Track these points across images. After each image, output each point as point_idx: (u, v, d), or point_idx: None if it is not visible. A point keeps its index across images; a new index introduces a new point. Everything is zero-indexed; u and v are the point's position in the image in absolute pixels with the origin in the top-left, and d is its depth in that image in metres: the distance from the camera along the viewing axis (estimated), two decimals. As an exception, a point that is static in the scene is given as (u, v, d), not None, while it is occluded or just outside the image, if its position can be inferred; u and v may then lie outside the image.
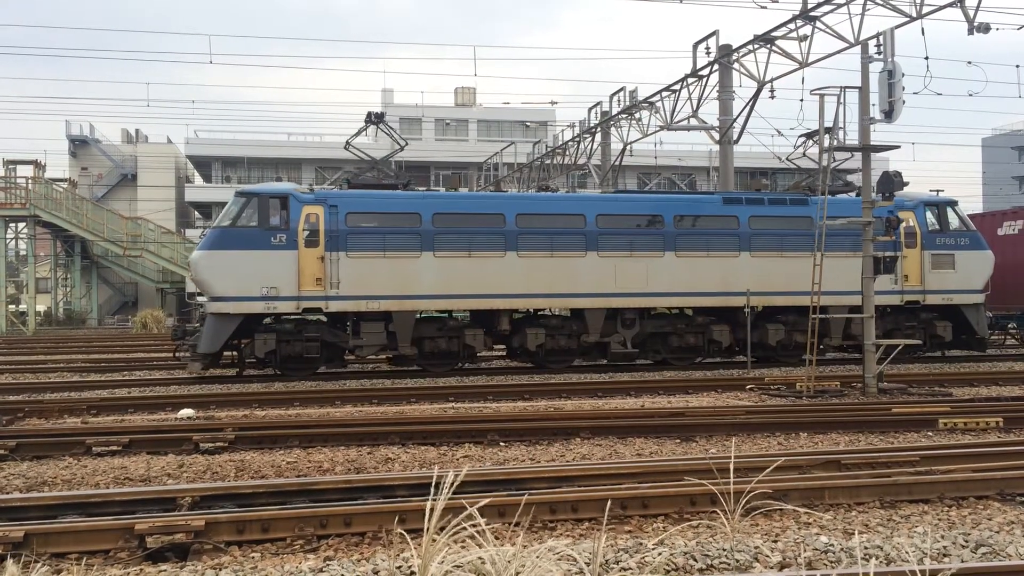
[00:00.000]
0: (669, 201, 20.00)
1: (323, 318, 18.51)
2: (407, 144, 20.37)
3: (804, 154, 22.10)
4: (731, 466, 6.96)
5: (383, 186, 19.23)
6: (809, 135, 22.84)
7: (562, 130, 38.37)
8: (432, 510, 4.86)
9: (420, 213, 18.33)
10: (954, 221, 20.88)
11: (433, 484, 5.52)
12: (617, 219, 19.33)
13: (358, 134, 20.12)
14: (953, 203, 21.25)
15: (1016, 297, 21.96)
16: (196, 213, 58.47)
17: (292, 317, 18.25)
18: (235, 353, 18.55)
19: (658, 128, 26.87)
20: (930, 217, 20.72)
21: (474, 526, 5.04)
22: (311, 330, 18.04)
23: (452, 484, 5.01)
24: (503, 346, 20.53)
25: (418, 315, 18.83)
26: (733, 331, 19.89)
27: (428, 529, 4.78)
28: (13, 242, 48.11)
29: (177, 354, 19.52)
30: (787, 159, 22.32)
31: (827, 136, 15.64)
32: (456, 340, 18.79)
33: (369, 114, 20.03)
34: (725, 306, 19.67)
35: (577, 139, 33.62)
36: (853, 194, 21.48)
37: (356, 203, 18.21)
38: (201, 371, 18.07)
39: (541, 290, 18.76)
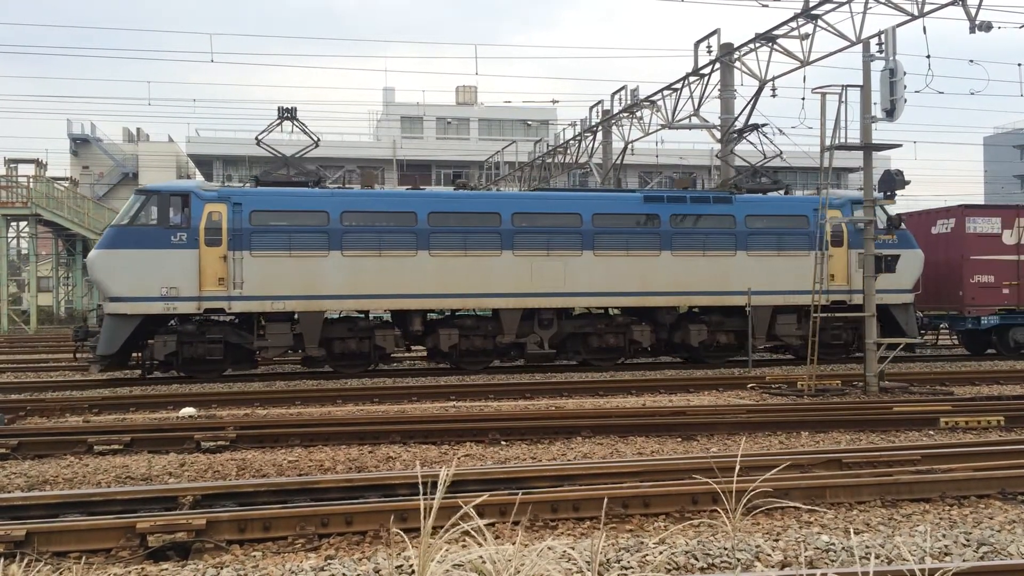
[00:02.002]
0: (587, 199, 19.54)
1: (229, 319, 18.18)
2: (320, 142, 19.78)
3: (732, 151, 22.09)
4: (736, 465, 6.96)
5: (293, 184, 18.79)
6: (740, 131, 22.84)
7: (563, 129, 38.38)
8: (428, 509, 4.86)
9: (328, 211, 17.92)
10: (883, 219, 20.23)
11: (431, 483, 5.52)
12: (533, 217, 18.92)
13: (271, 129, 19.48)
14: (881, 202, 20.87)
15: (949, 297, 21.50)
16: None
17: (198, 318, 17.73)
18: (139, 355, 18.12)
19: (659, 127, 26.88)
20: (857, 215, 20.32)
21: (474, 527, 5.03)
22: (214, 331, 17.62)
23: (445, 482, 5.01)
24: (421, 347, 20.11)
25: (334, 315, 18.54)
26: (655, 331, 19.70)
27: (425, 529, 4.78)
28: (15, 241, 48.16)
29: (77, 355, 19.09)
30: (718, 155, 22.28)
31: (829, 135, 15.59)
32: (367, 341, 18.37)
33: (280, 109, 19.52)
34: (646, 306, 19.45)
35: (578, 138, 33.62)
36: (783, 192, 21.29)
37: (261, 201, 17.78)
38: (99, 373, 17.66)
39: (454, 290, 18.37)
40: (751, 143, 22.78)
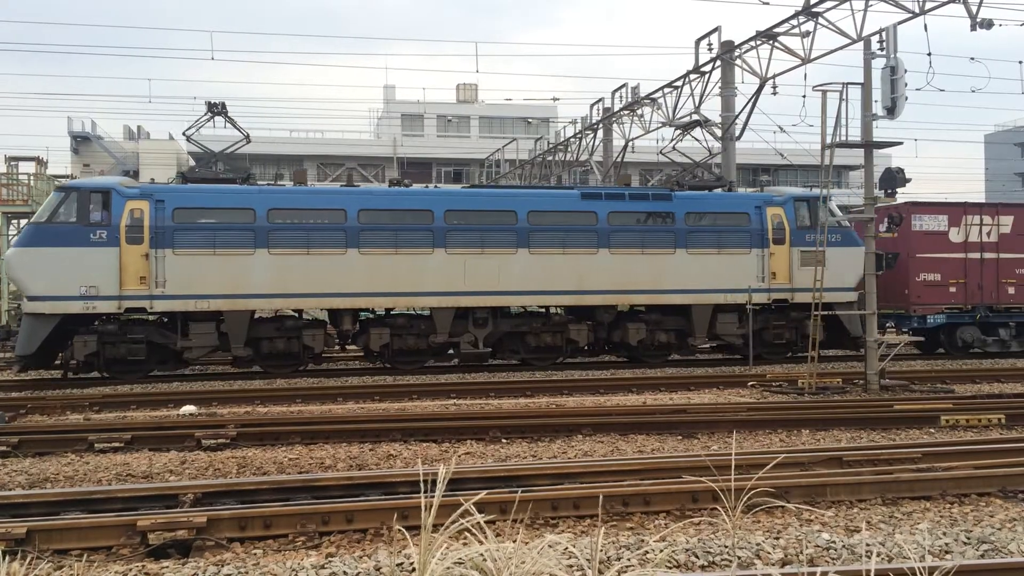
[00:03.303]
0: (523, 196, 19.21)
1: (154, 318, 17.89)
2: (250, 139, 19.58)
3: (674, 147, 22.00)
4: (732, 463, 6.96)
5: (220, 180, 18.42)
6: (684, 127, 22.80)
7: (564, 126, 38.35)
8: (428, 506, 4.86)
9: (254, 208, 17.60)
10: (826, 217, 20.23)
11: (431, 481, 5.52)
12: (467, 215, 18.62)
13: (200, 125, 19.22)
14: (825, 198, 20.52)
15: (895, 296, 21.07)
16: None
17: (122, 318, 17.44)
18: (63, 355, 17.76)
19: (660, 124, 26.84)
20: (800, 212, 19.93)
21: (475, 524, 5.03)
22: (136, 331, 17.27)
23: (444, 479, 5.00)
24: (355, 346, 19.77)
25: (267, 314, 18.27)
26: (594, 330, 19.45)
27: (425, 526, 4.78)
28: (15, 239, 48.11)
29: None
30: (661, 152, 22.19)
31: (829, 132, 15.59)
32: (296, 341, 18.10)
33: (209, 104, 19.24)
34: (583, 305, 19.16)
35: (579, 135, 33.60)
36: (726, 189, 21.06)
37: (184, 198, 17.46)
38: (19, 373, 17.47)
39: (386, 289, 18.06)
40: (695, 139, 22.63)
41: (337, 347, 20.20)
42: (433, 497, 4.93)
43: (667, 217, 19.40)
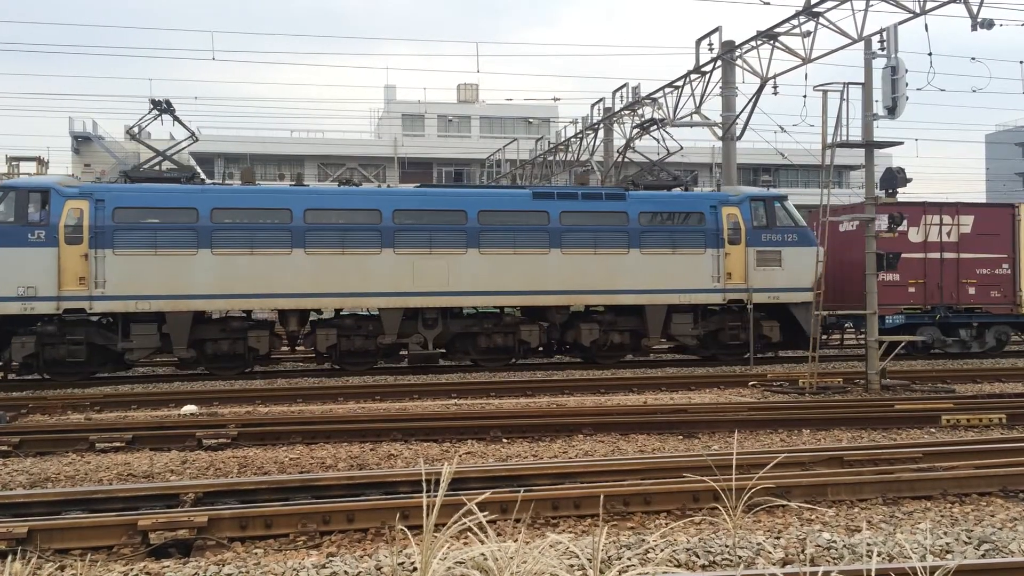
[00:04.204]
0: (473, 196, 18.99)
1: (96, 319, 17.57)
2: (197, 137, 19.32)
3: (633, 148, 21.94)
4: (733, 462, 6.96)
5: (164, 179, 18.15)
6: (642, 125, 22.77)
7: (565, 126, 38.34)
8: (431, 506, 4.86)
9: (197, 208, 17.34)
10: (783, 216, 19.82)
11: (433, 480, 5.53)
12: (416, 215, 18.39)
13: (147, 123, 19.02)
14: (782, 198, 20.19)
15: (855, 296, 20.06)
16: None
17: (64, 319, 17.04)
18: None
19: (661, 124, 26.81)
20: (756, 212, 19.65)
21: (477, 524, 5.04)
22: (76, 333, 16.97)
23: (447, 479, 5.01)
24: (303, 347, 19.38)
25: (219, 315, 18.16)
26: (547, 331, 19.24)
27: (427, 526, 4.79)
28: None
29: None
30: (618, 151, 22.08)
31: (830, 132, 15.58)
32: (241, 342, 17.84)
33: (153, 101, 18.94)
34: (535, 305, 18.96)
35: (580, 135, 33.60)
36: (683, 188, 20.91)
37: (125, 197, 17.20)
38: None
39: (332, 289, 17.81)
40: (654, 139, 22.56)
41: (287, 348, 19.91)
42: (434, 497, 4.94)
43: (621, 217, 19.19)
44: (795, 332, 19.81)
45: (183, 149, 19.11)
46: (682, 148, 21.33)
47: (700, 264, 19.17)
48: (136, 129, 19.28)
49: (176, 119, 19.28)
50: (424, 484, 5.22)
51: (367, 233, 18.05)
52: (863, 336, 18.23)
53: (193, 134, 19.31)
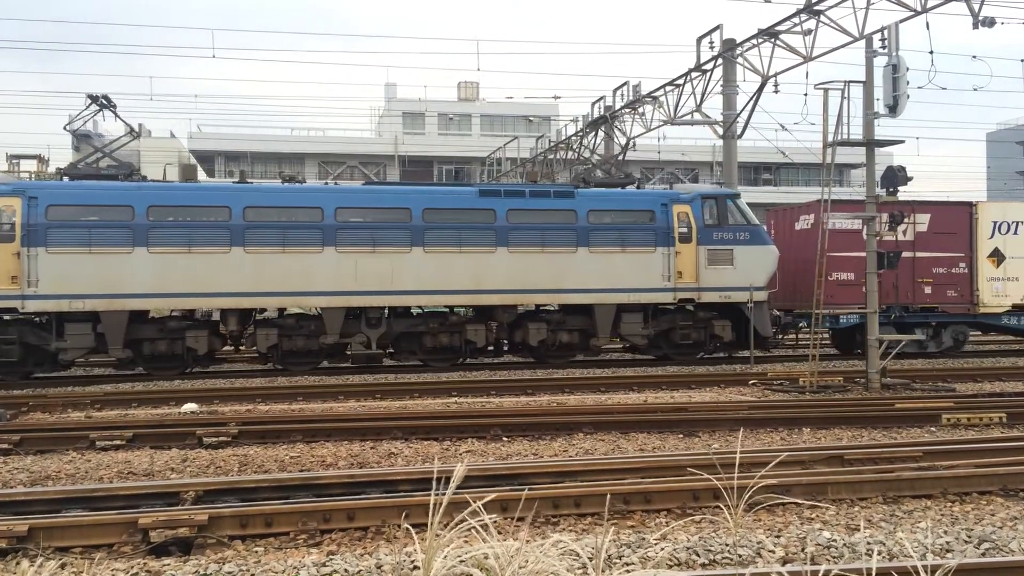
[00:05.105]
0: (417, 193, 18.66)
1: (31, 318, 17.38)
2: (138, 134, 18.91)
3: (591, 150, 21.83)
4: (736, 461, 6.96)
5: (101, 177, 17.86)
6: (594, 123, 22.68)
7: (565, 125, 38.30)
8: (436, 505, 4.86)
9: (133, 206, 17.09)
10: (735, 215, 19.61)
11: (434, 479, 5.53)
12: (359, 212, 18.18)
13: (87, 119, 18.86)
14: (734, 196, 19.99)
15: (809, 295, 19.94)
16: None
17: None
18: None
19: (661, 123, 26.80)
20: (708, 210, 19.43)
21: (480, 523, 5.04)
22: (10, 332, 16.86)
23: (458, 478, 5.01)
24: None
25: (163, 315, 17.94)
26: (494, 330, 19.07)
27: (432, 525, 4.79)
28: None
29: None
30: (571, 149, 21.98)
31: (831, 131, 15.58)
32: (179, 342, 17.63)
33: (90, 96, 18.68)
34: (481, 304, 18.81)
35: (580, 134, 33.58)
36: (635, 186, 20.78)
37: (59, 195, 16.99)
38: None
39: (273, 288, 17.59)
40: (609, 136, 22.45)
41: (231, 348, 19.62)
42: (441, 495, 4.94)
43: (569, 215, 19.00)
44: (747, 331, 19.45)
45: (124, 146, 18.84)
46: (634, 145, 20.97)
47: (650, 263, 19.00)
48: (78, 124, 19.01)
49: (116, 115, 19.03)
50: (434, 483, 5.22)
51: (308, 231, 17.81)
52: (818, 334, 17.99)
53: (133, 130, 19.00)
